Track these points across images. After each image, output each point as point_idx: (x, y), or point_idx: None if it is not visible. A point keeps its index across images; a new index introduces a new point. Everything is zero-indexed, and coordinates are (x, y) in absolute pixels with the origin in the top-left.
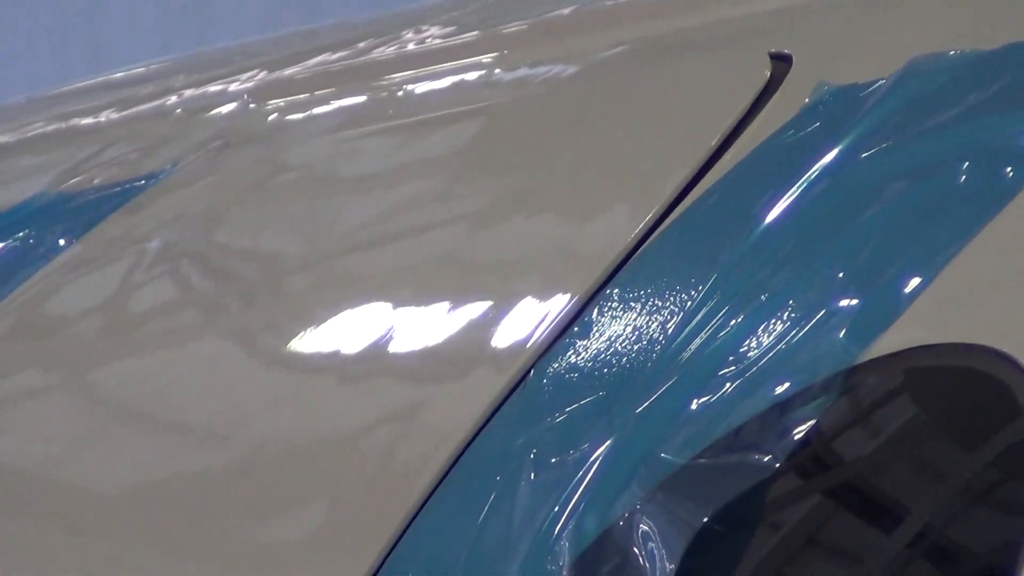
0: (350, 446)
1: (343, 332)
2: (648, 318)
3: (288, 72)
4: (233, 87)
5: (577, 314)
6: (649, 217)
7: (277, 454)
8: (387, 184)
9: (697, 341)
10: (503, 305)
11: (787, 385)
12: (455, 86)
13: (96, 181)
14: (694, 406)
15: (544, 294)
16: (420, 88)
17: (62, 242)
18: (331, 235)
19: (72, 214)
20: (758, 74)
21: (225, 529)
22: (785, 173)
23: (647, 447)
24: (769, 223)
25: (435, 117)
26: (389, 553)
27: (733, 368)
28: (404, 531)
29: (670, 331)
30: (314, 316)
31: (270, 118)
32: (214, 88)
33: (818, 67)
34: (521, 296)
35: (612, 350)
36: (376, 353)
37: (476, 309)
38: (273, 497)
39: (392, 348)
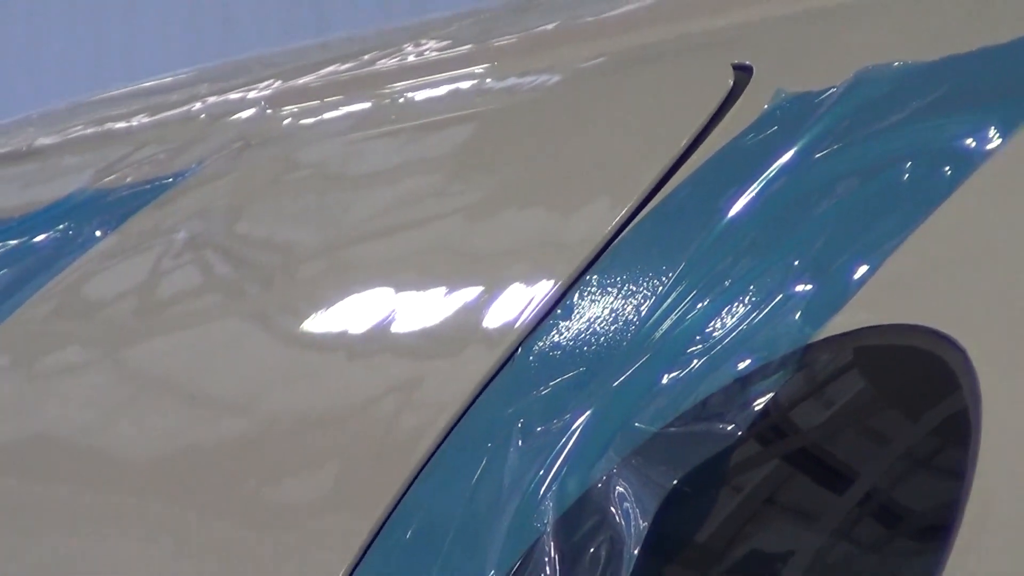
0: (357, 416)
1: (350, 314)
2: (624, 301)
3: (301, 81)
4: (252, 94)
5: (560, 298)
6: (625, 211)
7: (291, 423)
8: (390, 181)
9: (668, 322)
10: (493, 290)
11: (748, 361)
12: (451, 94)
13: (129, 179)
14: (665, 380)
15: (530, 280)
16: (419, 95)
17: (98, 233)
18: (340, 226)
19: (107, 208)
20: (722, 83)
21: (245, 490)
22: (747, 172)
23: (623, 417)
24: (732, 216)
25: (433, 121)
26: (392, 511)
27: (700, 346)
28: (405, 492)
29: (643, 313)
30: (324, 299)
31: (285, 122)
32: (235, 95)
33: (776, 77)
34: (510, 281)
35: (591, 330)
36: (380, 333)
37: (469, 293)
38: (288, 461)
39: (394, 328)
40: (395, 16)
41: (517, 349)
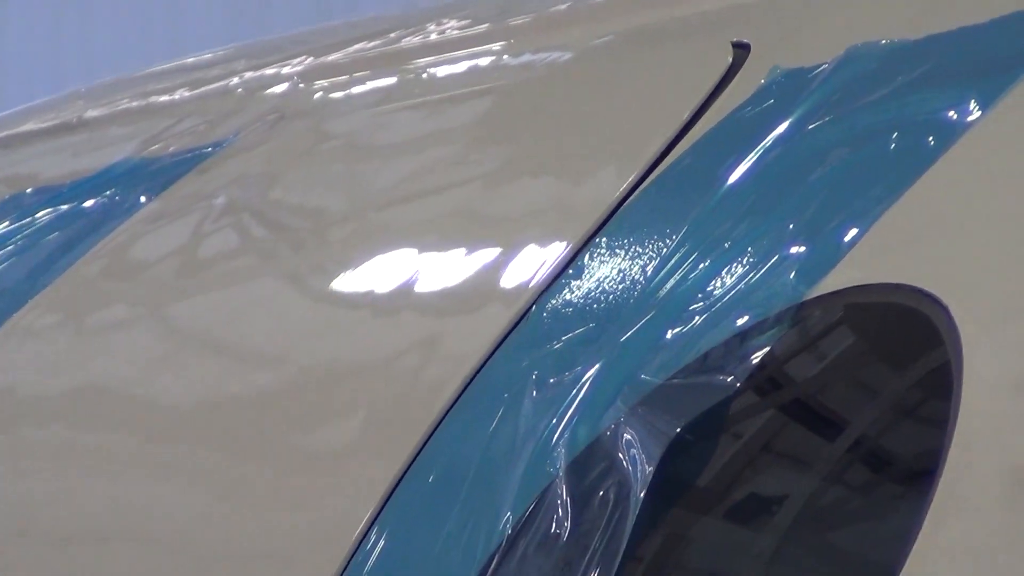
0: (382, 368)
1: (376, 274)
2: (630, 262)
3: (331, 57)
4: (285, 70)
5: (572, 259)
6: (632, 178)
7: (322, 375)
8: (413, 151)
9: (671, 281)
10: (509, 251)
11: (746, 318)
12: (470, 69)
13: (171, 148)
14: (669, 335)
15: (544, 242)
16: (441, 71)
17: (143, 199)
18: (366, 193)
19: (151, 176)
20: (722, 59)
21: (278, 436)
22: (744, 142)
23: (630, 369)
24: (731, 183)
25: (453, 95)
26: (415, 457)
27: (701, 304)
28: (428, 439)
29: (649, 273)
30: (352, 260)
31: (316, 95)
32: (270, 71)
33: (772, 54)
34: (525, 244)
35: (601, 289)
36: (404, 291)
37: (487, 255)
38: (318, 411)
39: (417, 287)
40: None
41: (532, 306)
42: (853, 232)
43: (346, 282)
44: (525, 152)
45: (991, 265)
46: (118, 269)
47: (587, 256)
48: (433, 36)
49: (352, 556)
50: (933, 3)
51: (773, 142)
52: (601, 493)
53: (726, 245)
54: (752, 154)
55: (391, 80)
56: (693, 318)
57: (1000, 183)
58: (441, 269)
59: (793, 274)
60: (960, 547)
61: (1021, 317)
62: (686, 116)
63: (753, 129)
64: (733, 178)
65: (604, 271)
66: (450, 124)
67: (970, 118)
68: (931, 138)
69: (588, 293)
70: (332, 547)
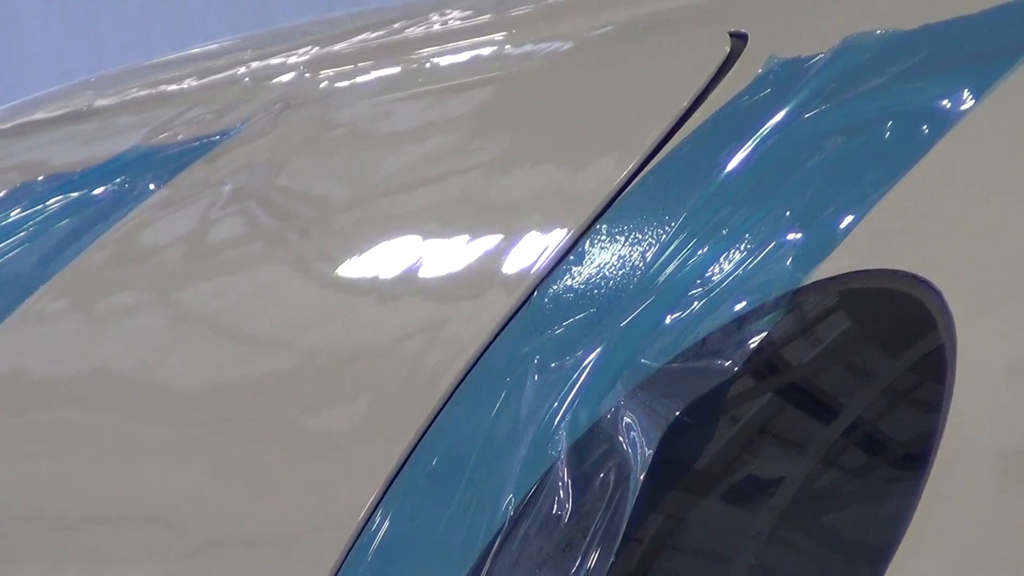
0: (387, 353)
1: (380, 260)
2: (630, 248)
3: (336, 47)
4: (291, 60)
5: (572, 245)
6: (631, 166)
7: (327, 359)
8: (416, 139)
9: (670, 267)
10: (511, 237)
11: (744, 303)
12: (472, 59)
13: (180, 136)
14: (668, 320)
15: (545, 228)
16: (443, 61)
17: (152, 186)
18: (371, 180)
19: (160, 163)
20: (720, 49)
21: (284, 420)
22: (742, 130)
23: (629, 354)
24: (729, 171)
25: (456, 84)
26: (419, 440)
27: (700, 289)
28: (432, 422)
29: (648, 259)
30: (357, 247)
31: (321, 85)
32: (276, 60)
33: (769, 44)
34: (526, 230)
35: (601, 275)
36: (407, 277)
37: (489, 241)
38: (324, 394)
39: (420, 273)
40: None
41: (533, 292)
42: (849, 219)
43: (351, 268)
44: (526, 141)
45: (985, 252)
46: (128, 256)
47: (587, 243)
48: (436, 26)
49: (357, 537)
50: None
51: (770, 131)
52: (601, 475)
53: (724, 232)
54: (749, 143)
55: (395, 70)
56: (692, 303)
57: (994, 171)
58: (444, 256)
59: (790, 260)
60: (953, 530)
61: (1014, 303)
62: (685, 105)
63: (750, 118)
64: (731, 166)
65: (604, 258)
66: (453, 113)
67: (964, 107)
68: (926, 127)
69: (588, 279)
70: (337, 528)
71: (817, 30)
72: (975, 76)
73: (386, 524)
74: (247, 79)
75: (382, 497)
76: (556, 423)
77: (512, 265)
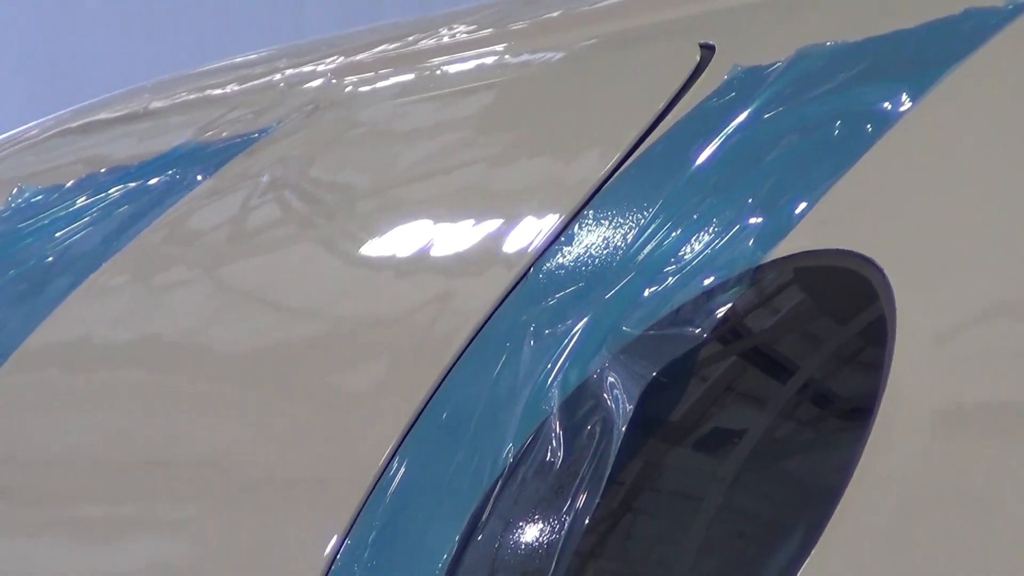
0: (402, 321)
1: (397, 240)
2: (614, 231)
3: (359, 57)
4: (320, 67)
5: (563, 228)
6: (615, 159)
7: (350, 327)
8: (428, 136)
9: (648, 247)
10: (511, 221)
11: (712, 278)
12: (477, 67)
13: (223, 134)
14: (646, 293)
15: (541, 213)
16: (452, 68)
17: (199, 178)
18: (389, 172)
19: (207, 158)
20: (690, 58)
21: (314, 378)
22: (710, 129)
23: (613, 323)
24: (699, 164)
25: (463, 89)
26: (431, 397)
27: (674, 266)
28: (441, 382)
29: (629, 240)
30: (377, 229)
31: (346, 89)
32: (307, 68)
33: (733, 53)
34: (524, 215)
35: (589, 254)
36: (420, 255)
37: (492, 224)
38: (348, 357)
39: (432, 252)
40: (433, 7)
41: (530, 269)
42: (803, 205)
43: (371, 248)
44: (523, 138)
45: (920, 233)
46: (178, 237)
47: (577, 226)
48: (445, 39)
49: (377, 480)
50: (870, 10)
51: (734, 129)
52: (589, 428)
53: (694, 217)
54: (716, 140)
55: (409, 76)
56: (667, 279)
57: (927, 164)
58: (452, 237)
59: (752, 241)
60: (892, 472)
61: (947, 277)
62: (660, 107)
63: (717, 118)
64: (700, 160)
65: (591, 239)
66: (459, 114)
67: (902, 108)
68: (869, 126)
69: (578, 258)
70: (361, 473)
71: (775, 42)
72: (912, 82)
73: (402, 470)
74: (282, 84)
75: (399, 446)
76: (550, 382)
77: (511, 245)
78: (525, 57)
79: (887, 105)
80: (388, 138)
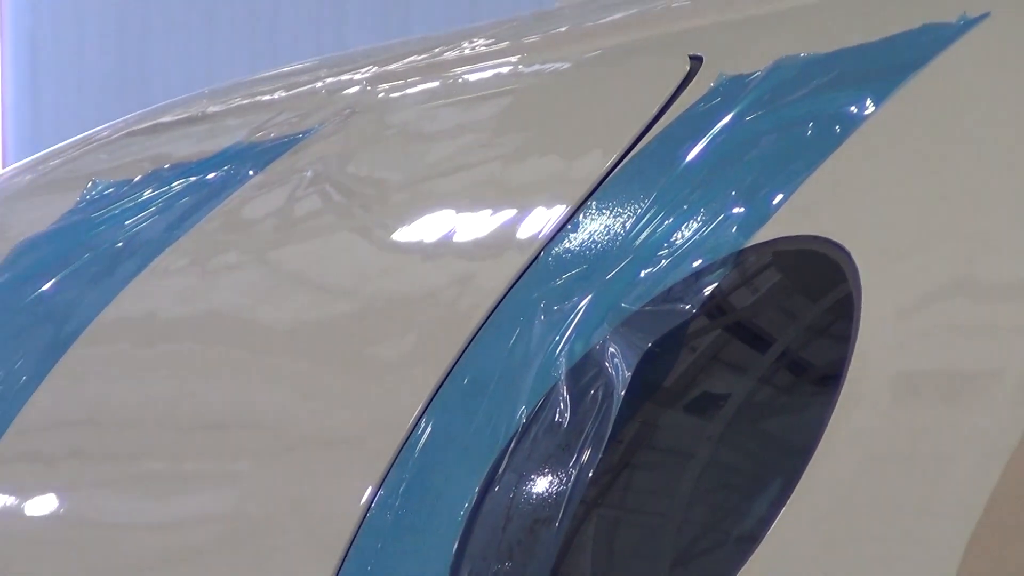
0: (429, 299)
1: (424, 228)
2: (614, 219)
3: (391, 67)
4: (357, 76)
5: (570, 217)
6: (615, 157)
7: (384, 302)
8: (451, 136)
9: (644, 233)
10: (524, 210)
11: (700, 261)
12: (494, 75)
13: (272, 135)
14: (642, 274)
15: (549, 204)
16: (472, 77)
17: (251, 173)
18: (417, 168)
19: (257, 155)
20: (681, 68)
21: (351, 349)
22: (698, 130)
23: (613, 300)
24: (689, 160)
25: (482, 95)
26: (454, 365)
27: (667, 250)
28: (463, 352)
29: (627, 227)
30: (406, 218)
31: (380, 95)
32: (345, 77)
33: (719, 63)
34: (535, 206)
35: (592, 239)
36: (444, 241)
37: (507, 214)
38: (382, 329)
39: (455, 238)
40: (456, 23)
41: (540, 253)
42: (779, 197)
43: (401, 234)
44: (535, 137)
45: (882, 221)
46: (232, 225)
47: (582, 215)
48: (466, 51)
49: (407, 438)
50: (839, 25)
51: (720, 130)
52: (592, 392)
53: (685, 207)
54: (704, 140)
55: (435, 84)
56: (660, 261)
57: (889, 160)
58: (472, 225)
59: (735, 228)
60: (859, 430)
61: (906, 260)
62: (655, 111)
63: (705, 121)
64: (689, 157)
65: (595, 227)
66: (479, 117)
67: (867, 112)
68: (837, 127)
69: (583, 243)
70: (392, 432)
71: (756, 53)
72: (875, 88)
73: (429, 429)
74: (323, 91)
75: (426, 408)
76: (558, 352)
77: (524, 232)
78: (536, 67)
79: (853, 109)
80: (416, 138)
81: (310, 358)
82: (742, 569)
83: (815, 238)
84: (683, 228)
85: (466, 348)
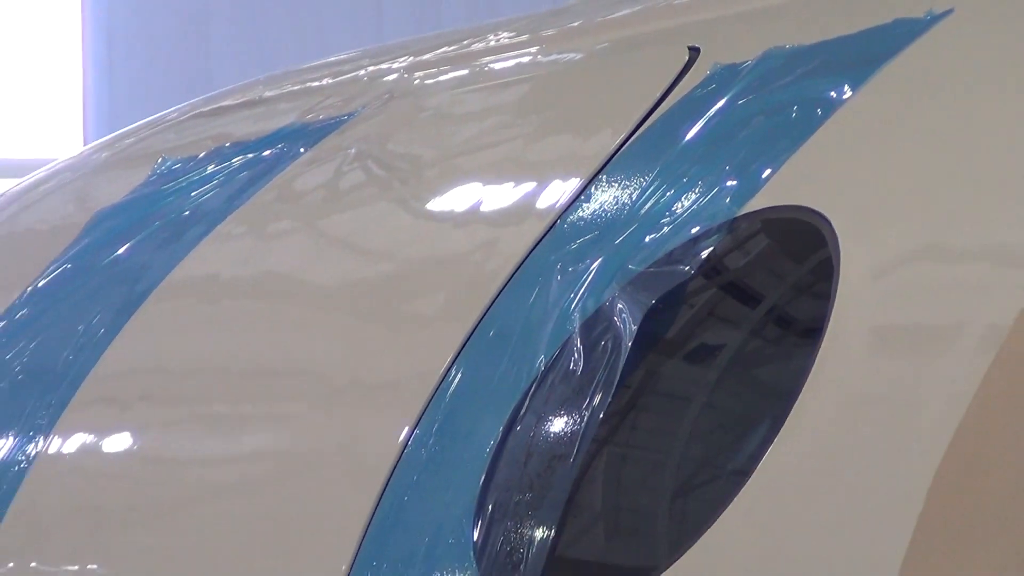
0: (459, 260)
1: (453, 200)
2: (621, 191)
3: (425, 57)
4: (395, 65)
5: (583, 188)
6: (623, 136)
7: (419, 265)
8: (479, 119)
9: (648, 204)
10: (542, 183)
11: (697, 228)
12: (516, 64)
13: (320, 116)
14: (647, 240)
15: (565, 177)
16: (497, 65)
17: (302, 150)
18: (447, 146)
19: (308, 135)
20: (680, 58)
21: (390, 305)
22: (696, 114)
23: (621, 262)
24: (688, 139)
25: (506, 81)
26: (481, 319)
27: (668, 218)
28: (489, 308)
29: (633, 198)
30: (438, 191)
31: (415, 82)
32: (384, 65)
33: (714, 54)
34: (552, 179)
35: (602, 209)
36: (472, 210)
37: (527, 186)
38: (417, 288)
39: (481, 208)
40: (481, 18)
41: (557, 220)
42: (768, 171)
43: (434, 205)
44: (552, 119)
45: (859, 192)
46: (286, 196)
47: (594, 188)
48: (492, 43)
49: (439, 384)
50: (820, 20)
51: (715, 113)
52: (602, 343)
53: (684, 180)
54: (701, 121)
55: (465, 72)
56: (662, 228)
57: (865, 139)
58: (496, 196)
59: (728, 199)
60: (838, 380)
61: (880, 226)
62: (658, 95)
63: (701, 105)
64: (688, 137)
65: (605, 197)
66: (503, 101)
67: (845, 96)
68: (819, 110)
69: (595, 212)
70: (425, 379)
71: (747, 45)
72: (852, 75)
73: (458, 376)
74: (365, 78)
75: (456, 358)
76: (572, 308)
77: (543, 202)
78: (553, 57)
79: (833, 94)
80: (447, 120)
81: (354, 313)
82: (736, 497)
83: (799, 207)
84: (682, 199)
85: (491, 304)
